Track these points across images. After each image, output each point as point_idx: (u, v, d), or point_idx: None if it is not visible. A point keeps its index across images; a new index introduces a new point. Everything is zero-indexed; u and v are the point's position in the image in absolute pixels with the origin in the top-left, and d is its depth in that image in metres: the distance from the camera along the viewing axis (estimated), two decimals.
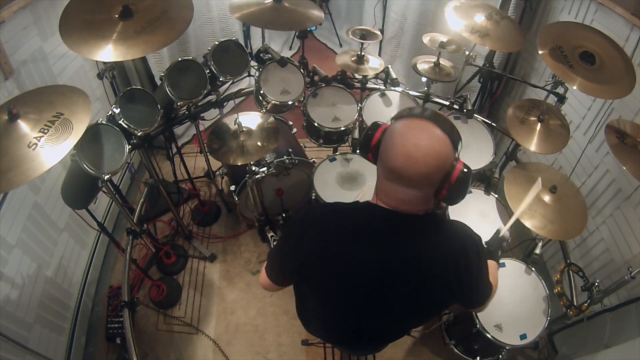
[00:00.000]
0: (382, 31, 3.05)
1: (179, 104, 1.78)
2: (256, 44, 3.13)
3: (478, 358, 1.62)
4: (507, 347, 1.47)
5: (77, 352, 1.85)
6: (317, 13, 1.87)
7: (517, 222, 1.51)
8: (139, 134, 1.54)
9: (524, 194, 1.55)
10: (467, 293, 0.97)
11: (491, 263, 1.15)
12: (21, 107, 1.11)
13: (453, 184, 0.81)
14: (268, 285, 1.07)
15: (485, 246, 1.23)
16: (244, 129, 1.69)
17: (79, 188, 1.49)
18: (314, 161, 2.03)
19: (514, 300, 1.54)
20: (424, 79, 2.09)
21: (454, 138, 0.81)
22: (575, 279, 1.75)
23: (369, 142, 0.87)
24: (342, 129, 2.01)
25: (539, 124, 1.66)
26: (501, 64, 2.62)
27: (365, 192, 1.42)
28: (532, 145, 1.62)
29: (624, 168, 1.28)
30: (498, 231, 1.30)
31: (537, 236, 1.66)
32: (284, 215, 2.14)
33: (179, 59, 1.73)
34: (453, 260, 0.88)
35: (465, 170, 0.81)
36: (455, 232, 0.93)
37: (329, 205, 0.98)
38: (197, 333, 2.01)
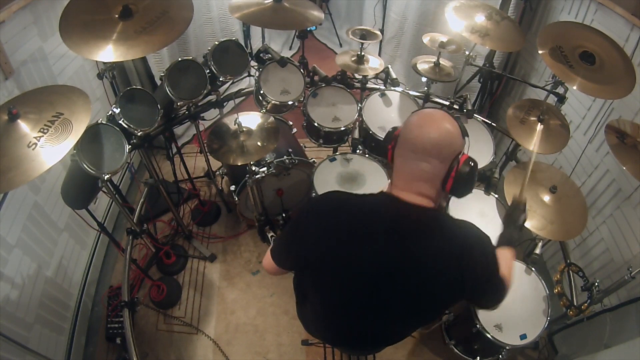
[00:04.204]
0: (382, 31, 3.05)
1: (179, 104, 1.78)
2: (256, 44, 3.13)
3: (478, 358, 1.62)
4: (507, 347, 1.47)
5: (77, 352, 1.85)
6: (317, 13, 1.87)
7: None
8: (139, 134, 1.54)
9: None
10: (474, 294, 0.96)
11: (504, 253, 1.06)
12: (21, 107, 1.11)
13: (459, 169, 0.87)
14: (270, 268, 1.10)
15: (494, 243, 1.12)
16: (244, 129, 1.69)
17: (79, 188, 1.49)
18: (314, 161, 2.03)
19: (514, 300, 1.54)
20: (424, 79, 2.09)
21: (462, 128, 0.91)
22: (575, 279, 1.75)
23: (394, 131, 0.96)
24: (342, 129, 2.01)
25: (539, 124, 1.66)
26: (501, 64, 2.62)
27: None
28: (532, 145, 1.61)
29: (624, 168, 1.28)
30: (514, 198, 1.20)
31: (537, 236, 1.65)
32: (284, 215, 2.14)
33: (179, 59, 1.73)
34: (457, 261, 0.88)
35: (472, 163, 0.88)
36: (460, 231, 0.93)
37: (338, 198, 0.99)
38: (197, 333, 2.01)
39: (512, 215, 1.19)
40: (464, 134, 0.91)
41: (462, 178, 0.88)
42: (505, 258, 1.05)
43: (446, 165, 0.88)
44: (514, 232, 1.15)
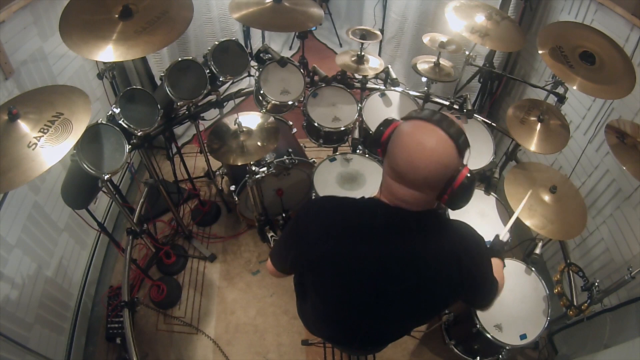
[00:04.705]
0: (382, 31, 3.05)
1: (179, 104, 1.78)
2: (256, 43, 3.13)
3: (478, 358, 1.62)
4: (507, 347, 1.47)
5: (77, 352, 1.85)
6: (317, 11, 1.87)
7: (518, 222, 1.52)
8: (139, 134, 1.54)
9: (523, 194, 1.56)
10: (470, 292, 0.98)
11: (495, 261, 1.17)
12: (21, 107, 1.11)
13: (455, 189, 0.82)
14: (272, 270, 1.11)
15: (488, 246, 1.27)
16: (244, 129, 1.70)
17: (79, 188, 1.49)
18: (314, 161, 2.03)
19: (514, 300, 1.54)
20: (424, 79, 2.08)
21: (461, 145, 0.80)
22: (575, 279, 1.75)
23: (380, 137, 0.88)
24: (342, 129, 2.01)
25: (539, 124, 1.66)
26: (501, 64, 2.62)
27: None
28: (532, 145, 1.62)
29: (624, 168, 1.28)
30: (497, 236, 1.32)
31: (537, 236, 1.66)
32: (284, 215, 2.14)
33: (179, 59, 1.73)
34: (454, 259, 0.89)
35: (469, 175, 0.82)
36: (457, 231, 0.94)
37: (334, 199, 0.98)
38: (197, 333, 2.01)
39: (497, 244, 1.32)
40: (464, 150, 0.82)
41: (458, 195, 0.83)
42: (496, 264, 1.12)
43: (439, 188, 0.84)
44: (500, 252, 1.28)
